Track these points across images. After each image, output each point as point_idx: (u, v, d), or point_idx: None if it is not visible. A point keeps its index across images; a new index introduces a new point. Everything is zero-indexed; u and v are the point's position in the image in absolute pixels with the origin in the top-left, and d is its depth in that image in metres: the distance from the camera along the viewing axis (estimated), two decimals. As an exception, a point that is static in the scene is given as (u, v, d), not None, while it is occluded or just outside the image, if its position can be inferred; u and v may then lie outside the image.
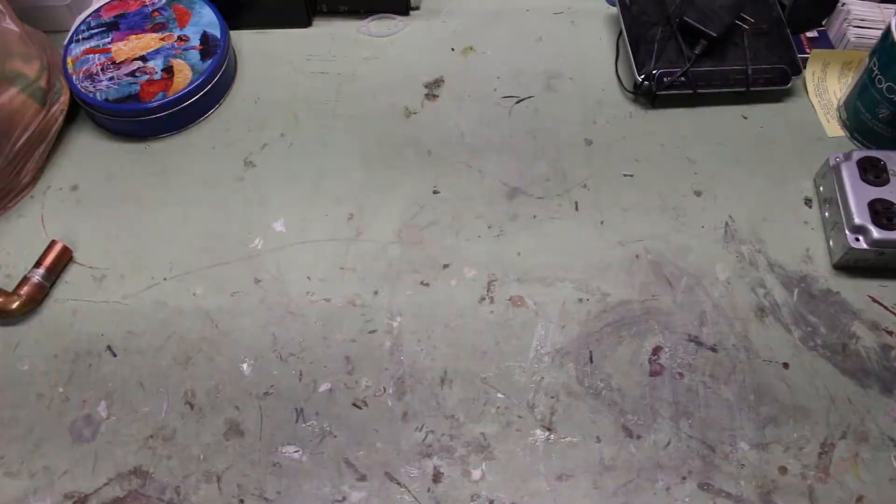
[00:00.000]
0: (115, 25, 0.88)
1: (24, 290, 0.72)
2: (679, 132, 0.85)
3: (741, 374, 0.69)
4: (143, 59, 0.85)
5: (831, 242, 0.76)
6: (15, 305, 0.72)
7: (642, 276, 0.75)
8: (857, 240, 0.72)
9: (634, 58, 0.86)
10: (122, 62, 0.85)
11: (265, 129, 0.86)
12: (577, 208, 0.79)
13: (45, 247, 0.75)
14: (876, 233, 0.71)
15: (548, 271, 0.75)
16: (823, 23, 0.92)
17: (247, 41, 0.94)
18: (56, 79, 0.83)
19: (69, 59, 0.85)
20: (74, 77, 0.84)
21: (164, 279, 0.75)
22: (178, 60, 0.85)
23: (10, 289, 0.73)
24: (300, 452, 0.66)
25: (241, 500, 0.64)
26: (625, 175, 0.81)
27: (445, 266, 0.75)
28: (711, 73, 0.84)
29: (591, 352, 0.70)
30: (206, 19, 0.88)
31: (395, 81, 0.90)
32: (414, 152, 0.83)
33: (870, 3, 0.89)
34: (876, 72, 0.78)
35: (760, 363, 0.70)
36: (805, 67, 0.88)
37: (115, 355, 0.71)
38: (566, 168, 0.82)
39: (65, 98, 0.83)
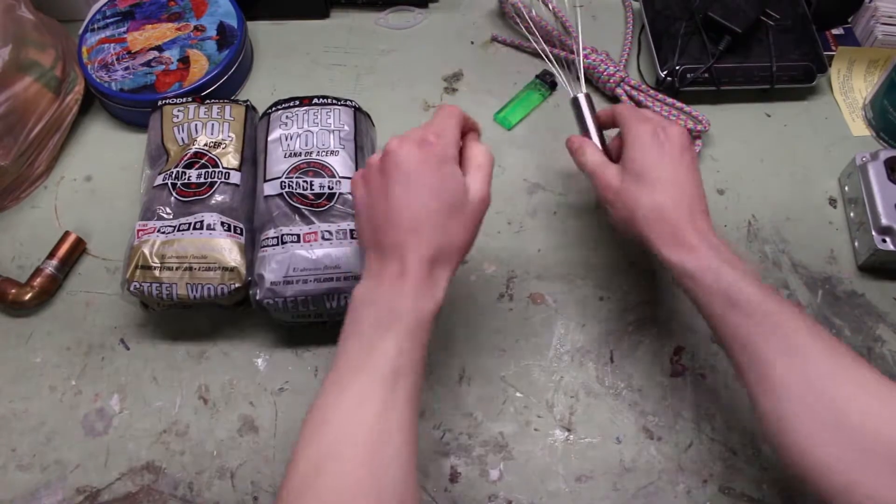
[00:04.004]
0: (131, 14, 0.87)
1: (37, 281, 0.72)
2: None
3: (764, 376, 0.68)
4: (159, 48, 0.84)
5: (857, 243, 0.75)
6: (28, 297, 0.71)
7: (664, 275, 0.74)
8: (884, 241, 0.71)
9: (657, 53, 0.85)
10: (137, 52, 0.84)
11: (281, 121, 0.85)
12: (598, 205, 0.78)
13: (58, 238, 0.74)
14: (904, 234, 0.70)
15: (568, 269, 0.74)
16: (850, 20, 0.90)
17: (263, 32, 0.93)
18: (71, 68, 0.82)
19: (84, 49, 0.84)
20: (89, 66, 0.83)
21: (179, 272, 0.74)
22: (195, 51, 0.84)
23: (22, 280, 0.72)
24: (315, 449, 0.65)
25: (255, 497, 0.63)
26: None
27: (464, 262, 0.74)
28: (735, 69, 0.83)
29: (611, 351, 0.69)
30: (223, 9, 0.87)
31: (414, 74, 0.88)
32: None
33: (897, 0, 0.88)
34: (905, 70, 0.77)
35: (784, 365, 0.69)
36: (830, 65, 0.87)
37: (128, 348, 0.70)
38: (587, 164, 0.81)
39: (79, 88, 0.83)
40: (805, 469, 0.47)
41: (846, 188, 0.78)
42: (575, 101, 0.71)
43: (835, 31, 0.90)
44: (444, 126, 0.54)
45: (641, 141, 0.61)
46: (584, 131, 0.70)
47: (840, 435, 0.46)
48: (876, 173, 0.73)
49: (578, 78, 0.73)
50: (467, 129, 0.59)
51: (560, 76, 0.73)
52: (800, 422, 0.47)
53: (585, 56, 0.84)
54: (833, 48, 0.88)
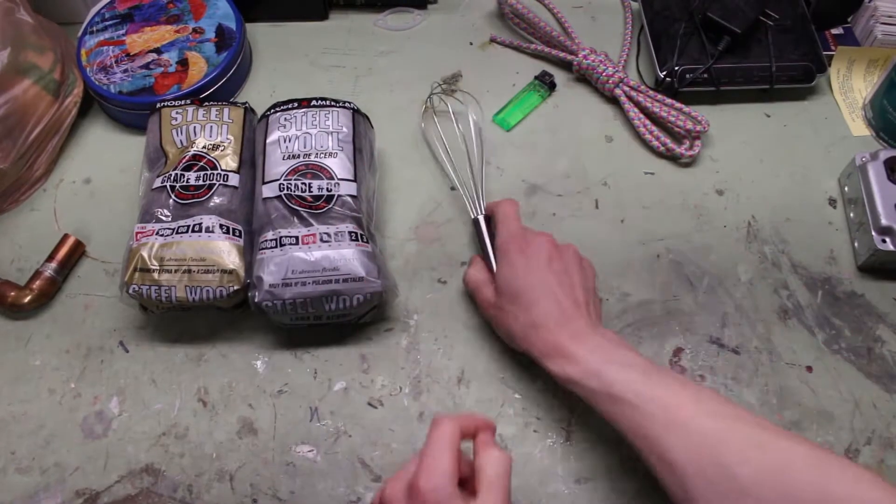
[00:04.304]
0: (130, 17, 0.87)
1: (36, 284, 0.72)
2: (701, 130, 0.84)
3: (763, 377, 0.68)
4: (158, 51, 0.84)
5: (856, 244, 0.74)
6: (27, 300, 0.71)
7: (663, 276, 0.74)
8: (884, 241, 0.70)
9: (656, 54, 0.84)
10: (136, 54, 0.84)
11: (280, 123, 0.85)
12: (597, 206, 0.78)
13: (57, 240, 0.74)
14: (904, 234, 0.70)
15: (567, 270, 0.74)
16: (849, 20, 0.90)
17: (262, 34, 0.93)
18: (70, 71, 0.82)
19: (83, 51, 0.84)
20: (88, 69, 0.83)
21: (178, 274, 0.74)
22: (193, 53, 0.84)
23: (22, 283, 0.72)
24: (314, 452, 0.65)
25: (255, 500, 0.63)
26: (646, 173, 0.80)
27: (463, 263, 0.74)
28: (734, 69, 0.83)
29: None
30: (222, 11, 0.87)
31: (413, 75, 0.88)
32: (432, 148, 0.82)
33: (897, -1, 0.88)
34: (904, 70, 0.76)
35: (783, 366, 0.68)
36: (830, 65, 0.86)
37: (127, 351, 0.70)
38: (586, 165, 0.81)
39: (78, 90, 0.83)
40: None
41: (846, 188, 0.78)
42: (475, 223, 0.72)
43: (834, 31, 0.90)
44: (436, 466, 0.49)
45: (508, 260, 0.63)
46: (483, 250, 0.70)
47: (736, 496, 0.47)
48: (876, 173, 0.73)
49: (480, 198, 0.74)
50: (475, 433, 0.55)
51: (465, 196, 0.75)
52: (700, 493, 0.49)
53: (584, 56, 0.84)
54: (832, 48, 0.88)
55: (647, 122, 0.82)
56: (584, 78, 0.87)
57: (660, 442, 0.51)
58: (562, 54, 0.87)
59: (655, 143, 0.80)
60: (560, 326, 0.59)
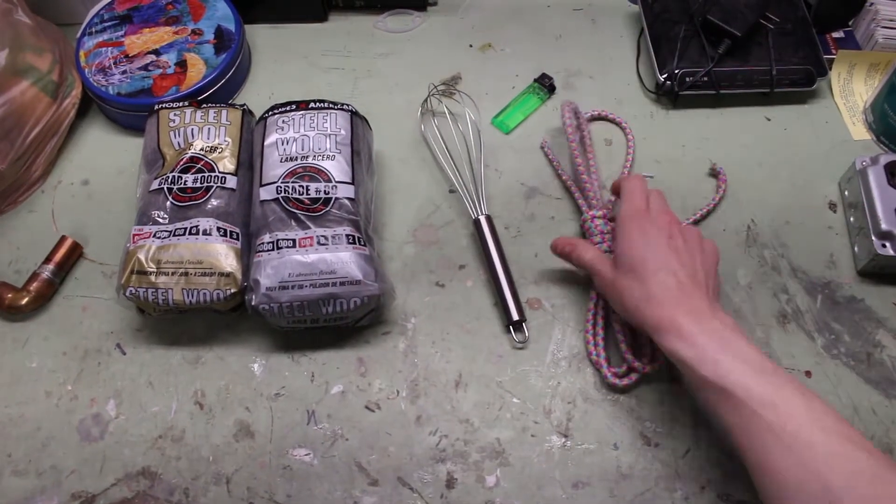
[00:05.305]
0: (129, 18, 0.87)
1: (34, 285, 0.72)
2: (701, 133, 0.83)
3: (763, 382, 0.68)
4: (157, 52, 0.84)
5: (856, 248, 0.74)
6: (24, 301, 0.71)
7: (662, 280, 0.73)
8: (884, 246, 0.70)
9: (656, 57, 0.84)
10: (134, 56, 0.84)
11: (279, 125, 0.84)
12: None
13: (55, 242, 0.74)
14: (904, 239, 0.69)
15: (566, 273, 0.73)
16: (850, 23, 0.90)
17: (261, 35, 0.93)
18: (68, 72, 0.82)
19: (82, 53, 0.84)
20: (87, 70, 0.83)
21: (175, 276, 0.74)
22: (192, 54, 0.84)
23: (19, 284, 0.72)
24: (311, 455, 0.65)
25: (251, 503, 0.62)
26: (645, 176, 0.80)
27: (461, 267, 0.74)
28: (735, 73, 0.83)
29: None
30: (221, 13, 0.87)
31: (412, 78, 0.88)
32: (431, 150, 0.82)
33: (898, 2, 0.87)
34: (905, 74, 0.76)
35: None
36: (831, 69, 0.86)
37: (124, 353, 0.70)
38: (585, 168, 0.81)
39: (77, 92, 0.83)
40: None
41: (846, 192, 0.77)
42: (476, 223, 0.74)
43: (835, 35, 0.89)
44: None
45: (627, 233, 0.62)
46: (486, 250, 0.72)
47: None
48: (876, 178, 0.73)
49: (480, 198, 0.75)
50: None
51: (465, 197, 0.76)
52: None
53: (592, 218, 0.73)
54: (833, 51, 0.88)
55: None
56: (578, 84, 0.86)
57: (764, 446, 0.50)
58: (580, 200, 0.77)
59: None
60: (676, 302, 0.57)
